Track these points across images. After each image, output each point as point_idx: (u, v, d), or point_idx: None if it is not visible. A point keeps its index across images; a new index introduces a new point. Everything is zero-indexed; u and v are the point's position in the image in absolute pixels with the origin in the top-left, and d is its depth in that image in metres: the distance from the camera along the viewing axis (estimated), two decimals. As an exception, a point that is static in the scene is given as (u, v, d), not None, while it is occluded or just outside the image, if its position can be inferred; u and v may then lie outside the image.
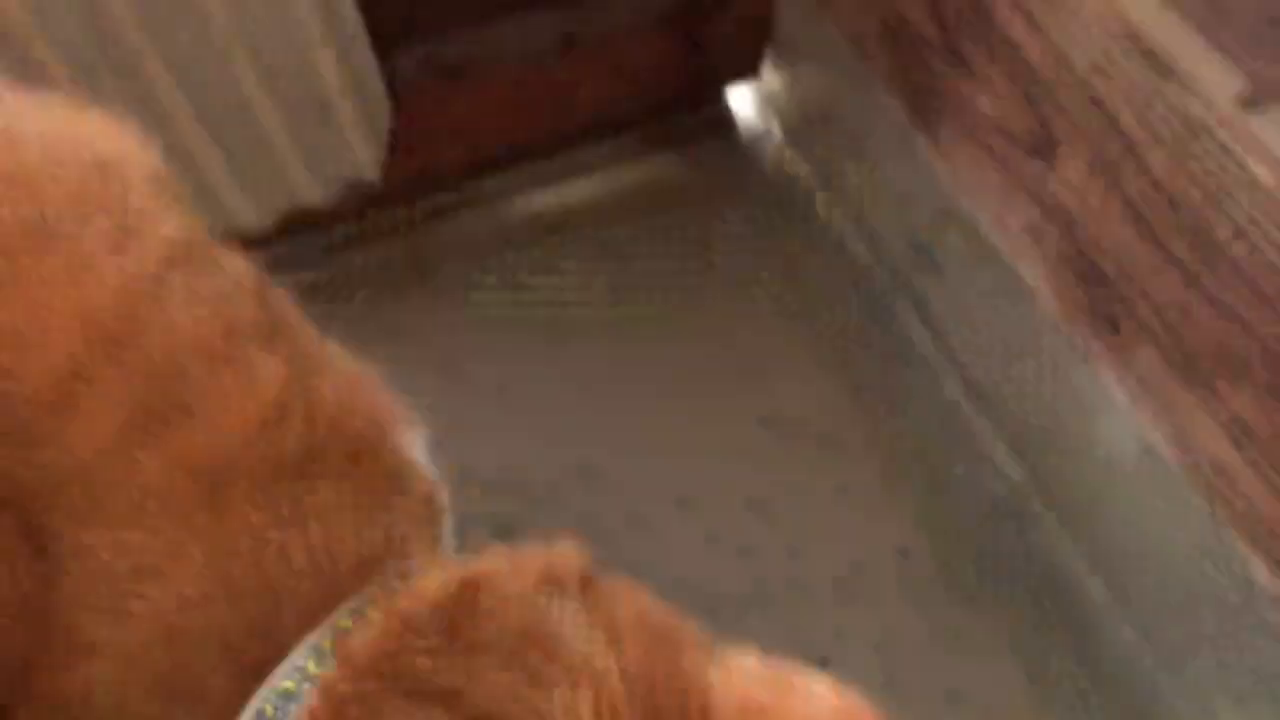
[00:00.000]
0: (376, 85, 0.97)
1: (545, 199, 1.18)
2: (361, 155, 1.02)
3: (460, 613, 0.46)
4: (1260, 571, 0.79)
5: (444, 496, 0.58)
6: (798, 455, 1.02)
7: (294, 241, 1.07)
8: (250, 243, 0.55)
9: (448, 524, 0.58)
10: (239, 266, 0.53)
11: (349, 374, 0.55)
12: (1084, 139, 0.81)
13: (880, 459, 1.02)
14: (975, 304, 1.01)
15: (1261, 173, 0.68)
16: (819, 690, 0.48)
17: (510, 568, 0.49)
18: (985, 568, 0.97)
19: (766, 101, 1.23)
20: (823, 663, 0.48)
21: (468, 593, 0.47)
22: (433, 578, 0.48)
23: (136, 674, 0.47)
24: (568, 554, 0.50)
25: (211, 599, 0.47)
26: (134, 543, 0.46)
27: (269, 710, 0.46)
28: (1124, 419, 0.87)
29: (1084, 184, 0.82)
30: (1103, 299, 0.84)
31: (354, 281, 1.11)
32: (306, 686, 0.46)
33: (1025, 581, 0.97)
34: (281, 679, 0.47)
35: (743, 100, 1.24)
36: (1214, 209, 0.72)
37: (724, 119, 1.23)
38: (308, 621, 0.48)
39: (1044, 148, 0.86)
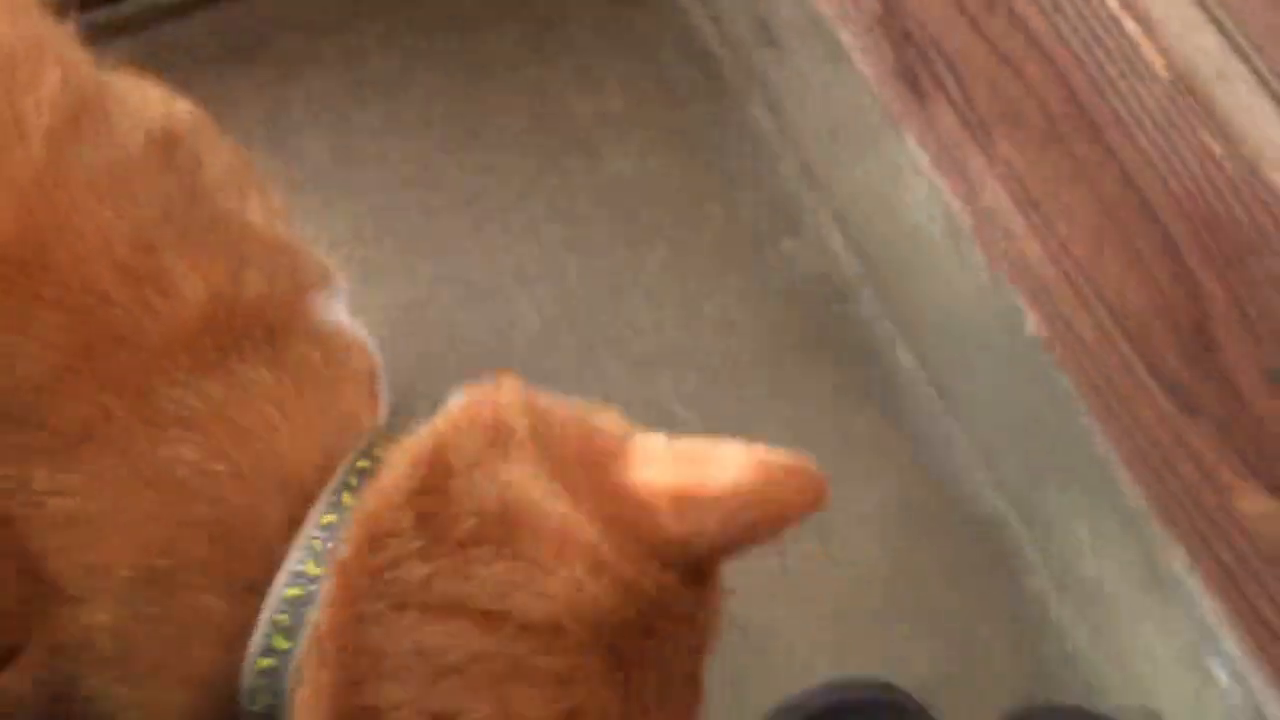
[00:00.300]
0: None
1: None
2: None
3: (434, 504, 0.46)
4: (1031, 318, 0.85)
5: (376, 357, 0.57)
6: (629, 230, 1.04)
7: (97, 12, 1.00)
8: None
9: (384, 383, 0.57)
10: (140, 116, 0.50)
11: (267, 240, 0.53)
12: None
13: (711, 236, 1.05)
14: (806, 77, 1.02)
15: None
16: (731, 452, 0.49)
17: (462, 431, 0.48)
18: (807, 338, 1.02)
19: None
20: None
21: (435, 478, 0.46)
22: (395, 468, 0.47)
23: (130, 614, 0.47)
24: (510, 395, 0.49)
25: (178, 529, 0.46)
26: (77, 486, 0.45)
27: (283, 619, 0.46)
28: (927, 185, 0.90)
29: (893, -63, 0.83)
30: (908, 57, 0.86)
31: (164, 57, 1.06)
32: (313, 589, 0.45)
33: (839, 351, 1.02)
34: (284, 588, 0.46)
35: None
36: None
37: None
38: (286, 526, 0.47)
39: (860, -99, 0.85)
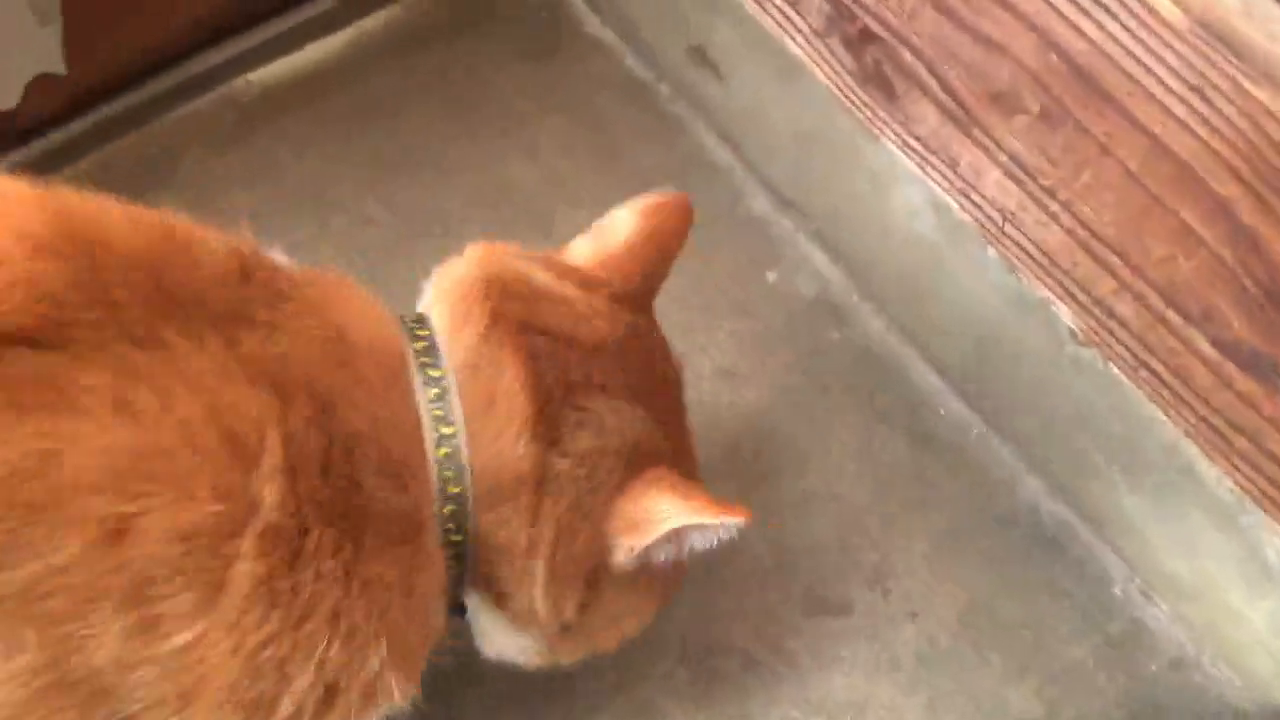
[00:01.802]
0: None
1: (285, 67, 1.04)
2: (37, 43, 0.87)
3: (486, 312, 0.58)
4: (1062, 310, 0.77)
5: None
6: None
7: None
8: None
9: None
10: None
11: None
12: (825, -118, 0.74)
13: (689, 282, 0.96)
14: (758, 99, 0.94)
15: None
16: (620, 215, 0.65)
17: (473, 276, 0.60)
18: (815, 373, 0.94)
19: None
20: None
21: (475, 304, 0.58)
22: (446, 323, 0.58)
23: None
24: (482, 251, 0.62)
25: None
26: None
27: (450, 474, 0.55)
28: (916, 185, 0.83)
29: (833, -67, 0.76)
30: (872, 58, 0.79)
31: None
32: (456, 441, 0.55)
33: (851, 381, 0.94)
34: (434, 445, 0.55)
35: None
36: (958, -73, 0.66)
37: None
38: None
39: (788, -98, 0.78)
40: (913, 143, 0.80)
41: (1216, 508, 0.74)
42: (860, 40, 0.79)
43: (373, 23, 1.08)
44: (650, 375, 0.62)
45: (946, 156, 0.78)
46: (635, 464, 0.58)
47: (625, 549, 0.58)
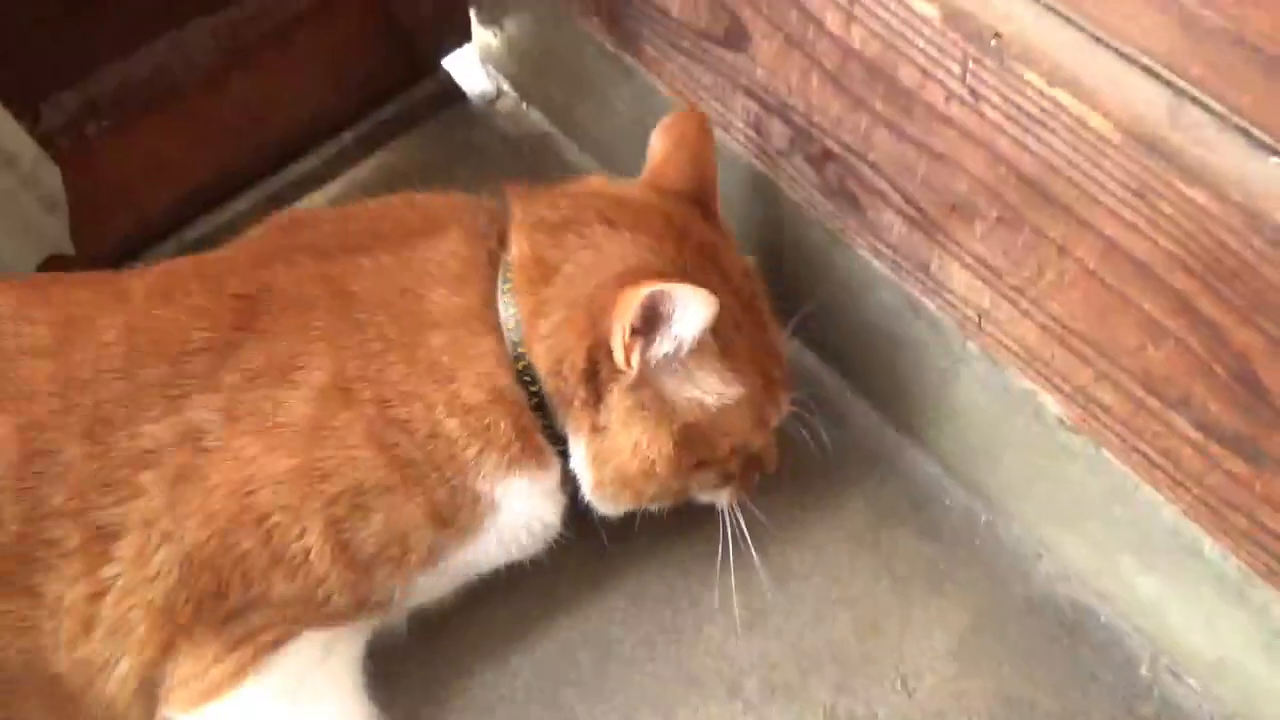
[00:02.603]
0: (28, 148, 0.87)
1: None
2: (46, 229, 0.92)
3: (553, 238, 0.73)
4: (1048, 400, 0.78)
5: None
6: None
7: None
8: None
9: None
10: None
11: None
12: (769, 21, 0.78)
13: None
14: (734, 217, 0.96)
15: (927, 10, 0.66)
16: (654, 140, 0.82)
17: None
18: (810, 473, 0.95)
19: (486, 60, 1.17)
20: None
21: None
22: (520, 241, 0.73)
23: None
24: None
25: None
26: None
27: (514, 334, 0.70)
28: (891, 288, 0.85)
29: (783, 64, 0.79)
30: (835, 174, 0.82)
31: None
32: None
33: (850, 479, 0.95)
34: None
35: (462, 65, 1.17)
36: (895, 54, 0.69)
37: (448, 90, 1.16)
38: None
39: (738, 39, 0.82)
40: (883, 249, 0.82)
41: (1225, 583, 0.74)
42: (822, 158, 0.82)
43: (364, 171, 1.13)
44: (685, 236, 0.74)
45: (916, 260, 0.80)
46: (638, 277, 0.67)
47: (616, 332, 0.66)
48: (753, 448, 0.79)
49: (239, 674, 0.67)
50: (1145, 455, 0.73)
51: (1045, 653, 0.87)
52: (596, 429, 0.70)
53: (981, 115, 0.66)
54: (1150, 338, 0.67)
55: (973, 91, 0.66)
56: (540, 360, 0.69)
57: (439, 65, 1.16)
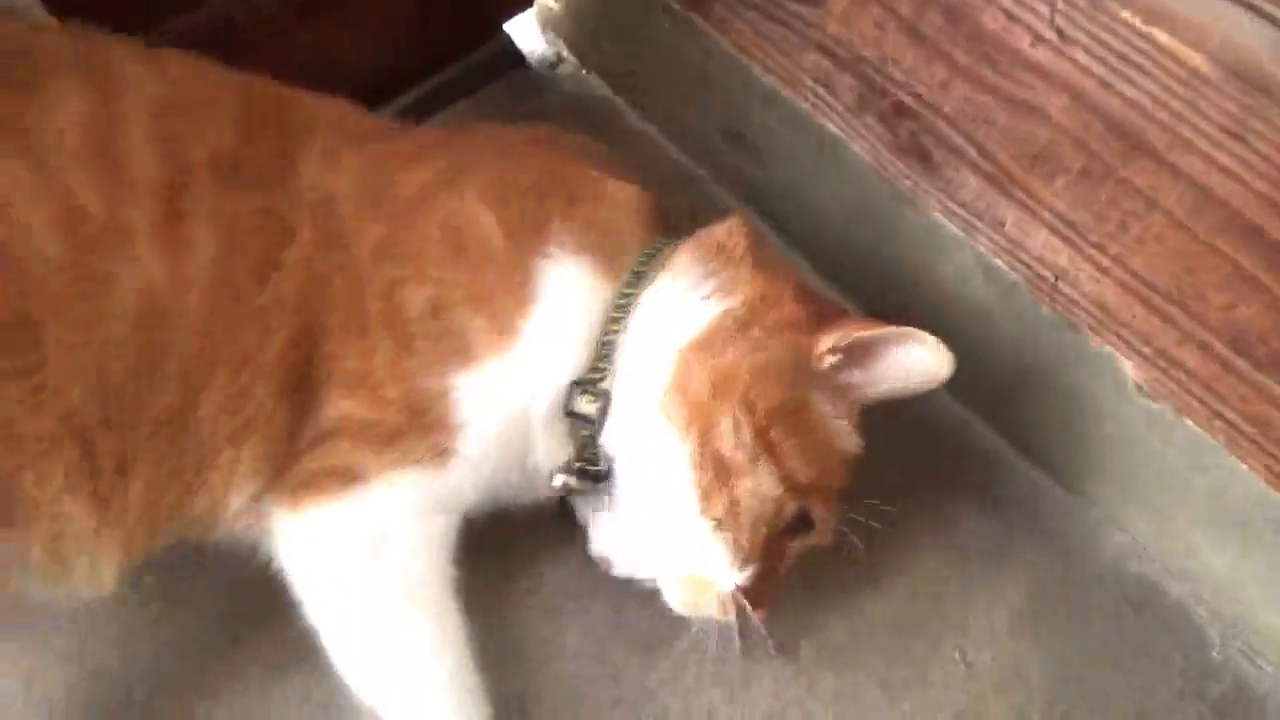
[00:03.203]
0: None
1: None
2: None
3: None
4: (1125, 365, 0.76)
5: None
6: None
7: None
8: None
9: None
10: None
11: None
12: (845, -32, 0.76)
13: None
14: (799, 178, 0.95)
15: (1016, -52, 0.64)
16: None
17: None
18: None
19: (546, 24, 1.16)
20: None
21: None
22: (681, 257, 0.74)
23: None
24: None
25: None
26: None
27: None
28: (963, 251, 0.83)
29: (858, 15, 0.78)
30: (908, 131, 0.80)
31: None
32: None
33: (916, 445, 0.92)
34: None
35: (523, 29, 1.17)
36: (980, -1, 0.67)
37: (508, 54, 1.15)
38: None
39: (811, -10, 0.80)
40: (956, 208, 0.80)
41: (1312, 558, 0.71)
42: (895, 114, 0.80)
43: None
44: None
45: (991, 219, 0.78)
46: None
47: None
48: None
49: (332, 489, 0.67)
50: (1231, 422, 0.70)
51: (1110, 630, 0.84)
52: None
53: (1070, 58, 0.64)
54: (1241, 293, 0.64)
55: (1061, 33, 0.63)
56: None
57: (499, 29, 1.15)
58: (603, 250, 0.69)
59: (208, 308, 0.64)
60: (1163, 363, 0.72)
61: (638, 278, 0.70)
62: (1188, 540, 0.80)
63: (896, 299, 0.93)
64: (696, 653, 0.77)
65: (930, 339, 0.68)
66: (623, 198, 0.72)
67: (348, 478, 0.68)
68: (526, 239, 0.68)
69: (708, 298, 0.70)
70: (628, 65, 1.09)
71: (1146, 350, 0.73)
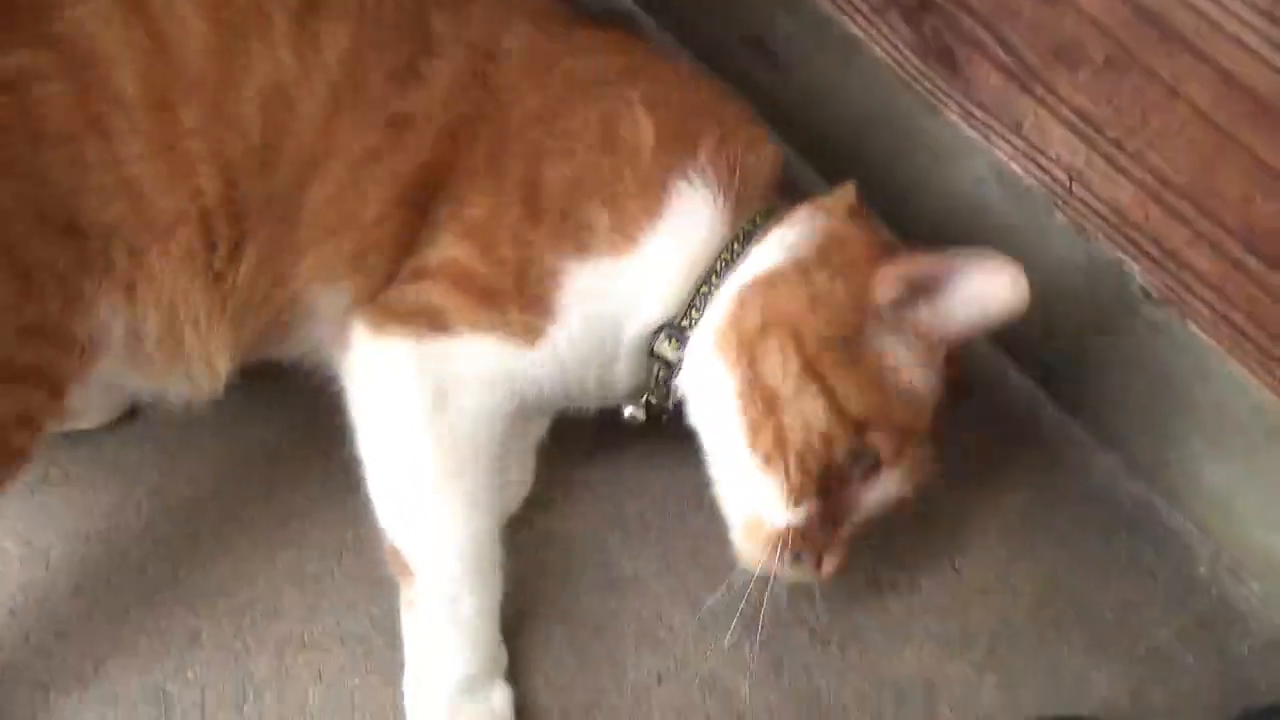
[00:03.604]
0: None
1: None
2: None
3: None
4: (1134, 270, 0.76)
5: None
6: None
7: None
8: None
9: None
10: None
11: None
12: None
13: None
14: (815, 85, 0.95)
15: None
16: None
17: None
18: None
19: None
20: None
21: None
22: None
23: None
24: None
25: None
26: None
27: None
28: (979, 155, 0.83)
29: (888, -94, 0.77)
30: (931, 28, 0.80)
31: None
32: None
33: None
34: None
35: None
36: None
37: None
38: None
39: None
40: (975, 111, 0.80)
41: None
42: (919, 10, 0.80)
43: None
44: None
45: (1010, 120, 0.78)
46: None
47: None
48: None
49: (417, 327, 0.69)
50: (1236, 325, 0.71)
51: (1099, 544, 0.85)
52: None
53: (1101, -59, 0.64)
54: (1259, 187, 0.64)
55: (1094, -86, 0.64)
56: None
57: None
58: (735, 195, 0.70)
59: (334, 99, 0.66)
60: (1172, 265, 0.73)
61: (748, 235, 0.71)
62: (1183, 455, 0.81)
63: (909, 209, 0.93)
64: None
65: (997, 260, 0.65)
66: (769, 154, 0.74)
67: (436, 322, 0.69)
68: (673, 156, 0.69)
69: (788, 247, 0.70)
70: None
71: (1156, 252, 0.73)
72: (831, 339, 0.67)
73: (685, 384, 0.73)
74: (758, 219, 0.71)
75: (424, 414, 0.69)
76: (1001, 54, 0.75)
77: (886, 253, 0.69)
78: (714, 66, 1.04)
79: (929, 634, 0.80)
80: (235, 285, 0.68)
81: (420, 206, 0.69)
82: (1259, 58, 0.60)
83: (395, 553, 0.71)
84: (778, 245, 0.71)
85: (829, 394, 0.67)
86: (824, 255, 0.69)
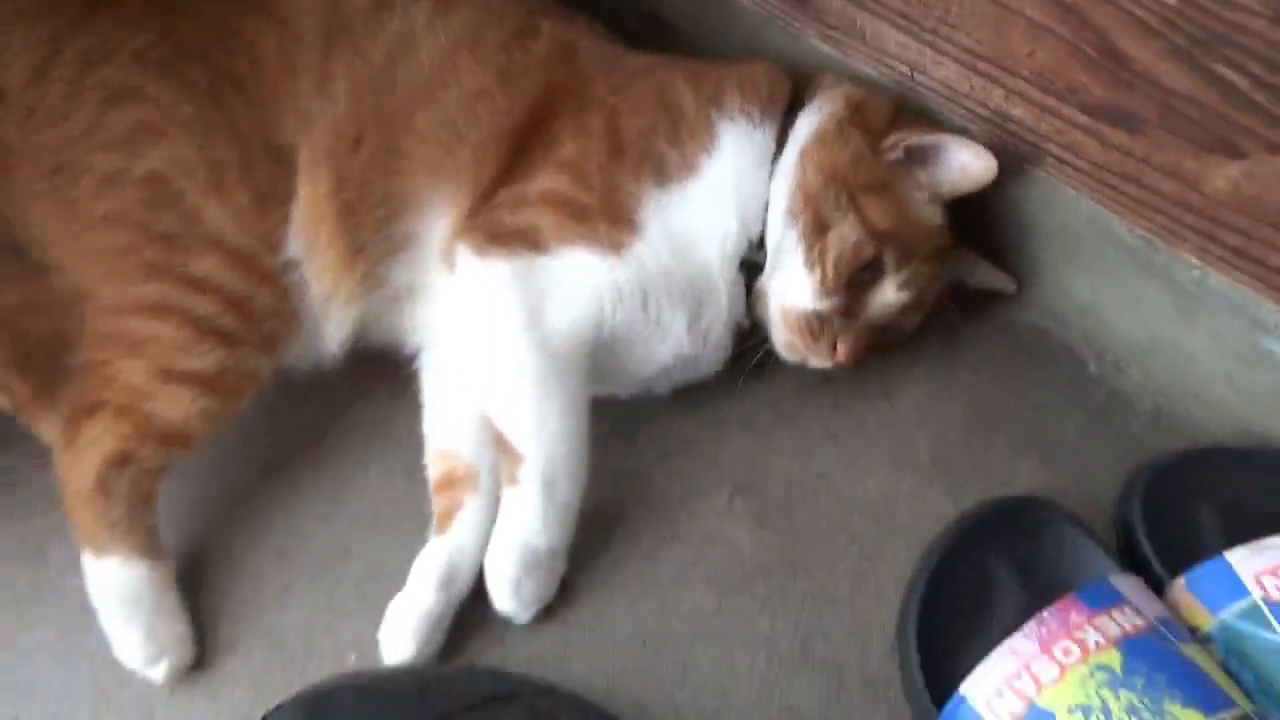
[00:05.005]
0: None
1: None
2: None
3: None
4: (973, 131, 0.92)
5: None
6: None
7: None
8: None
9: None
10: None
11: None
12: None
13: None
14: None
15: None
16: None
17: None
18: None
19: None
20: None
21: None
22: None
23: None
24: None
25: None
26: None
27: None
28: (839, 65, 0.98)
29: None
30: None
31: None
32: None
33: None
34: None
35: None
36: None
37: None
38: None
39: None
40: (829, 32, 0.97)
41: (1136, 257, 0.87)
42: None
43: None
44: None
45: (855, 33, 0.95)
46: None
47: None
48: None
49: (516, 247, 0.85)
50: (1054, 155, 0.87)
51: (1006, 370, 1.00)
52: None
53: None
54: (1036, 40, 0.81)
55: None
56: None
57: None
58: (764, 113, 0.91)
59: (453, 48, 0.89)
60: (999, 120, 0.89)
61: (784, 130, 0.92)
62: (1054, 277, 0.97)
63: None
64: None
65: (972, 144, 0.86)
66: (774, 73, 0.94)
67: (533, 241, 0.85)
68: (710, 107, 0.90)
69: (826, 115, 0.91)
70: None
71: (985, 113, 0.90)
72: (866, 183, 0.88)
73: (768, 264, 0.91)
74: (788, 115, 0.92)
75: (523, 326, 0.83)
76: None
77: (895, 119, 0.91)
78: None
79: (881, 460, 0.95)
80: (351, 176, 0.86)
81: (520, 147, 0.88)
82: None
83: (501, 437, 0.84)
84: (816, 113, 0.91)
85: (864, 219, 0.87)
86: (854, 114, 0.90)
